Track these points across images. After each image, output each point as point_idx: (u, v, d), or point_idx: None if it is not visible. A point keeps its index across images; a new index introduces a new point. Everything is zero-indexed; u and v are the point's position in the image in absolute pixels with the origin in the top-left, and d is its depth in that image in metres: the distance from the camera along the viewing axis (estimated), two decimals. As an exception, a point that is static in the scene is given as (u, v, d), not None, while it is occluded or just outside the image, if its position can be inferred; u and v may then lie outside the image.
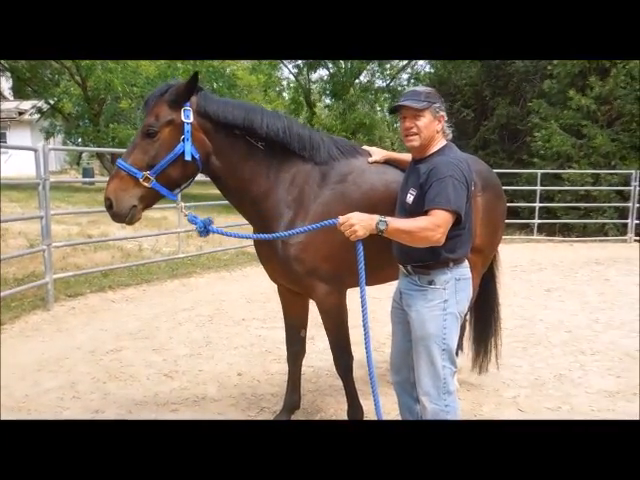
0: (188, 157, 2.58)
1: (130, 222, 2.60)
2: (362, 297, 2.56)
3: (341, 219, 2.33)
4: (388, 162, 3.01)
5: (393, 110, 2.52)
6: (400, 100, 2.47)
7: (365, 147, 3.12)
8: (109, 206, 2.55)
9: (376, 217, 2.27)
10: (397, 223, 2.30)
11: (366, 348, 2.66)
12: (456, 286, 2.48)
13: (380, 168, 2.97)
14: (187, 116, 2.58)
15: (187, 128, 2.58)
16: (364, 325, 2.55)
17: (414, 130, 2.42)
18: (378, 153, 3.02)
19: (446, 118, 2.50)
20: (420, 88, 2.49)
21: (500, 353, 3.86)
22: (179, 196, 2.98)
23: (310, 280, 2.85)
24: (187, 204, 7.74)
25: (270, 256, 2.93)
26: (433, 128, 2.43)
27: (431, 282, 2.48)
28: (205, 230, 2.68)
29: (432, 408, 2.51)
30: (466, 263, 2.57)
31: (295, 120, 2.97)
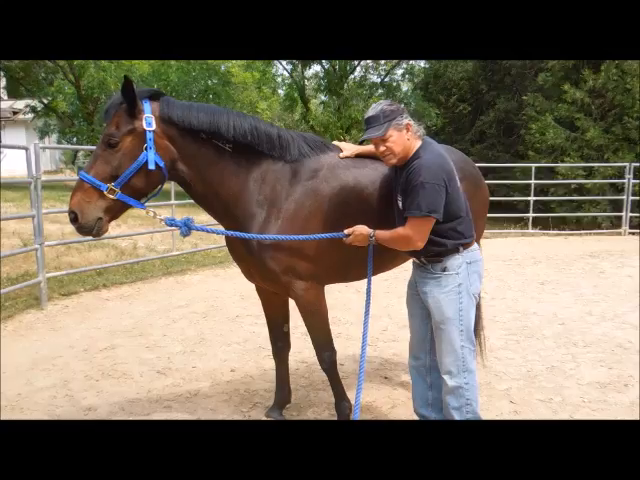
0: (151, 166, 2.54)
1: (97, 234, 2.56)
2: (367, 301, 2.79)
3: (347, 238, 2.67)
4: (360, 156, 2.99)
5: (361, 142, 2.73)
6: (364, 133, 2.59)
7: (336, 142, 3.10)
8: (74, 219, 2.50)
9: (368, 233, 2.62)
10: (382, 236, 2.61)
11: (362, 352, 2.76)
12: (468, 269, 2.65)
13: (350, 163, 2.94)
14: (149, 124, 2.53)
15: (149, 136, 2.53)
16: (364, 327, 2.79)
17: (387, 152, 2.56)
18: (349, 148, 3.01)
19: (412, 122, 2.57)
20: (376, 109, 2.54)
21: (485, 347, 3.84)
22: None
23: (287, 278, 2.83)
24: (182, 201, 7.78)
25: (244, 255, 2.91)
26: (403, 140, 2.55)
27: (444, 269, 2.64)
28: (187, 229, 2.69)
29: (452, 385, 2.68)
30: (475, 245, 2.72)
31: (261, 119, 2.92)
